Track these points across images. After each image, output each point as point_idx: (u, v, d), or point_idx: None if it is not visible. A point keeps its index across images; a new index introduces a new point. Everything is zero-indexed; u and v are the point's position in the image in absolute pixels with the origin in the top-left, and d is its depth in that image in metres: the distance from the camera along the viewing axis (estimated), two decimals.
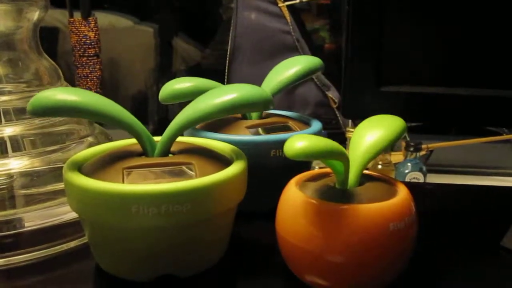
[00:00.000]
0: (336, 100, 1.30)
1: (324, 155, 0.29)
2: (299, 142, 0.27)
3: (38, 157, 0.42)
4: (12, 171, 0.41)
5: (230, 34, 1.32)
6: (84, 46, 1.04)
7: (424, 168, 1.16)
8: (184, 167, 0.34)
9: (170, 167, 0.34)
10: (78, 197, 0.32)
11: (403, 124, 0.33)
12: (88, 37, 1.04)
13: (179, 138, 0.36)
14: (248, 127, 0.45)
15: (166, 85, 0.45)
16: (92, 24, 1.04)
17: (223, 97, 0.35)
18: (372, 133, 0.33)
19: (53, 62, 0.48)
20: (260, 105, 0.36)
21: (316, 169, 0.37)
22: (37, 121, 0.43)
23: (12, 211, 0.40)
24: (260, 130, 0.45)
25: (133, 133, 0.35)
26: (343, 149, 0.30)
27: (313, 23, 1.54)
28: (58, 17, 1.52)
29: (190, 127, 0.35)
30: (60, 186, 0.42)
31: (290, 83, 0.47)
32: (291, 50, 1.29)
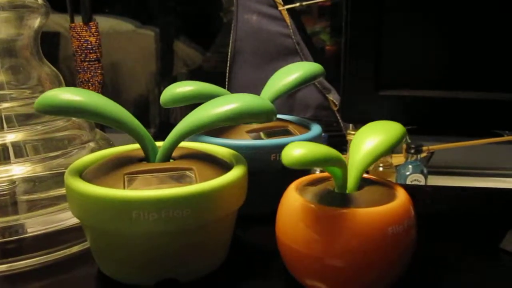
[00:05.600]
0: (337, 103, 1.30)
1: (321, 163, 0.29)
2: (296, 150, 0.28)
3: (40, 163, 0.42)
4: (14, 177, 0.42)
5: (231, 38, 1.33)
6: (86, 51, 1.04)
7: (425, 170, 1.16)
8: (184, 173, 0.35)
9: (171, 173, 0.34)
10: (80, 203, 0.32)
11: (402, 129, 0.34)
12: (89, 42, 1.04)
13: (180, 143, 0.36)
14: (248, 132, 0.45)
15: (167, 89, 0.45)
16: (93, 29, 1.05)
17: (226, 107, 0.35)
18: (371, 138, 0.33)
19: (54, 69, 0.48)
20: (263, 116, 0.36)
21: (316, 173, 0.37)
22: (39, 127, 0.43)
23: (14, 217, 0.41)
24: (260, 134, 0.45)
25: (136, 137, 0.35)
26: (340, 155, 0.30)
27: (314, 25, 1.54)
28: (59, 21, 1.53)
29: (192, 134, 0.36)
30: (62, 191, 0.42)
31: (291, 89, 0.47)
32: (292, 53, 1.29)
